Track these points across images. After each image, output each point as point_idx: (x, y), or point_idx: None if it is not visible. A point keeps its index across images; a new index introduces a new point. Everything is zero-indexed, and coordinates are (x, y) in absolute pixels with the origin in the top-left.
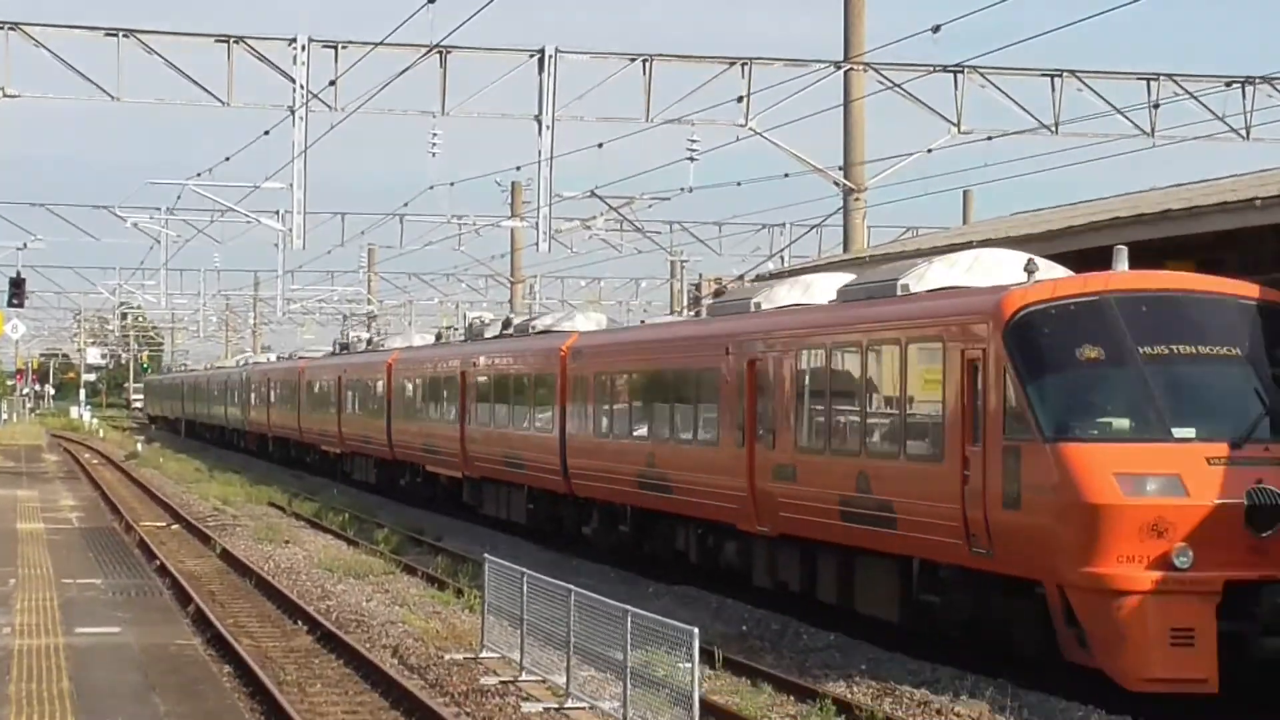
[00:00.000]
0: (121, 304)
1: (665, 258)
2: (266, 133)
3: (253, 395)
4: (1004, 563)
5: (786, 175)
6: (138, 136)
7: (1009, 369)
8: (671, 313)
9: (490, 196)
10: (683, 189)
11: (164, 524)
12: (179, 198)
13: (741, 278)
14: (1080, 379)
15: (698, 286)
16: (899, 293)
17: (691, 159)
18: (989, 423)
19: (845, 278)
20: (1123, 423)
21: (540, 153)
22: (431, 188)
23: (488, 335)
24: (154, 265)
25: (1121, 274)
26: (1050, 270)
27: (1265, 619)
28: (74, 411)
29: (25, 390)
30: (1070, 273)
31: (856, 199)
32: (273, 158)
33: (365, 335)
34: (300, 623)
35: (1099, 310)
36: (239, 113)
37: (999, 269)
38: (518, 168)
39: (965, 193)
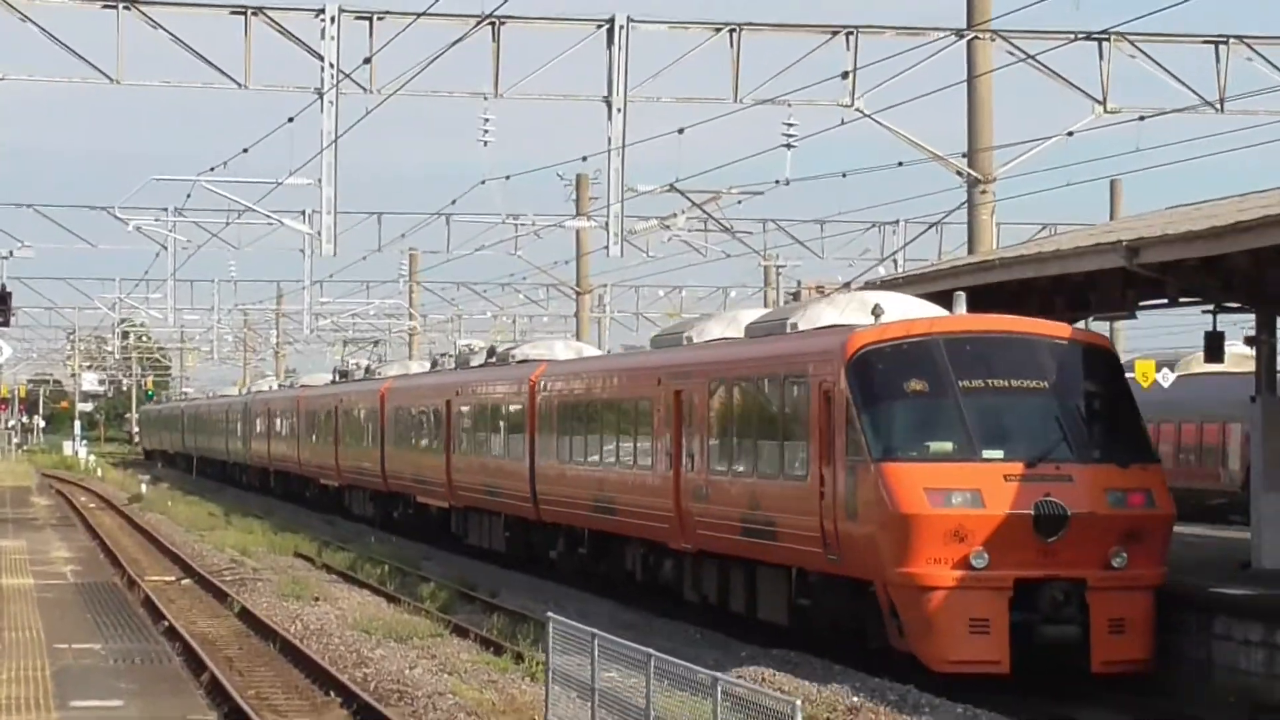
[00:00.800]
0: (122, 321)
1: (758, 262)
2: (290, 119)
3: (255, 426)
4: (849, 567)
5: (900, 164)
6: (140, 125)
7: (849, 399)
8: None
9: (552, 192)
10: (778, 181)
11: (173, 578)
12: (188, 196)
13: (848, 285)
14: (905, 408)
15: (796, 295)
16: (787, 330)
17: (788, 146)
18: (837, 446)
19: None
20: (942, 446)
21: (610, 140)
22: (483, 182)
23: (473, 364)
24: (160, 275)
25: (951, 317)
26: (907, 311)
27: (1047, 611)
28: (67, 447)
29: (11, 423)
30: (936, 313)
31: (983, 191)
32: (298, 149)
33: (364, 363)
34: (333, 694)
35: (926, 349)
36: (258, 96)
37: (883, 306)
38: (584, 158)
39: (1112, 182)
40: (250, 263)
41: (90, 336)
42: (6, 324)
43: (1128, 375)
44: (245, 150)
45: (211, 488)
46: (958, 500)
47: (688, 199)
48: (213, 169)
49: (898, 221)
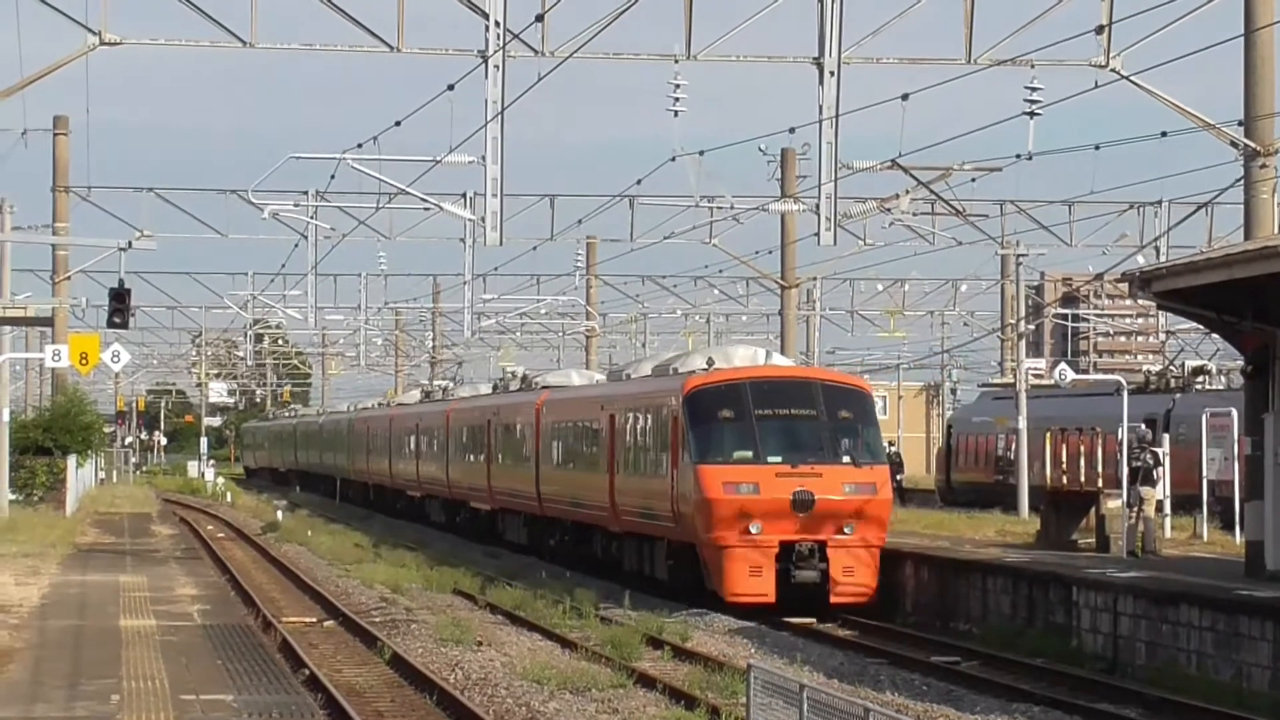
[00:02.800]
0: (255, 322)
1: (994, 250)
2: (450, 87)
3: (360, 443)
4: (685, 535)
5: (1164, 135)
6: (277, 97)
7: (683, 422)
8: (1003, 325)
9: (753, 170)
10: (1019, 156)
11: (314, 620)
12: (333, 177)
13: (1100, 277)
14: (718, 429)
15: (1039, 290)
16: (670, 373)
17: (1031, 115)
18: (677, 454)
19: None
20: (743, 454)
21: (822, 109)
22: (673, 159)
23: (512, 388)
24: (299, 269)
25: (758, 366)
26: (743, 360)
27: (798, 561)
28: (192, 467)
29: (129, 440)
30: (761, 362)
31: (1263, 166)
32: (459, 122)
33: (442, 383)
34: None
35: (736, 389)
36: (413, 61)
37: (732, 357)
38: (791, 130)
39: None
40: (403, 254)
41: (219, 340)
42: (125, 326)
43: None
44: (398, 123)
45: (359, 515)
46: (744, 490)
47: (912, 177)
48: (360, 146)
49: (1160, 202)
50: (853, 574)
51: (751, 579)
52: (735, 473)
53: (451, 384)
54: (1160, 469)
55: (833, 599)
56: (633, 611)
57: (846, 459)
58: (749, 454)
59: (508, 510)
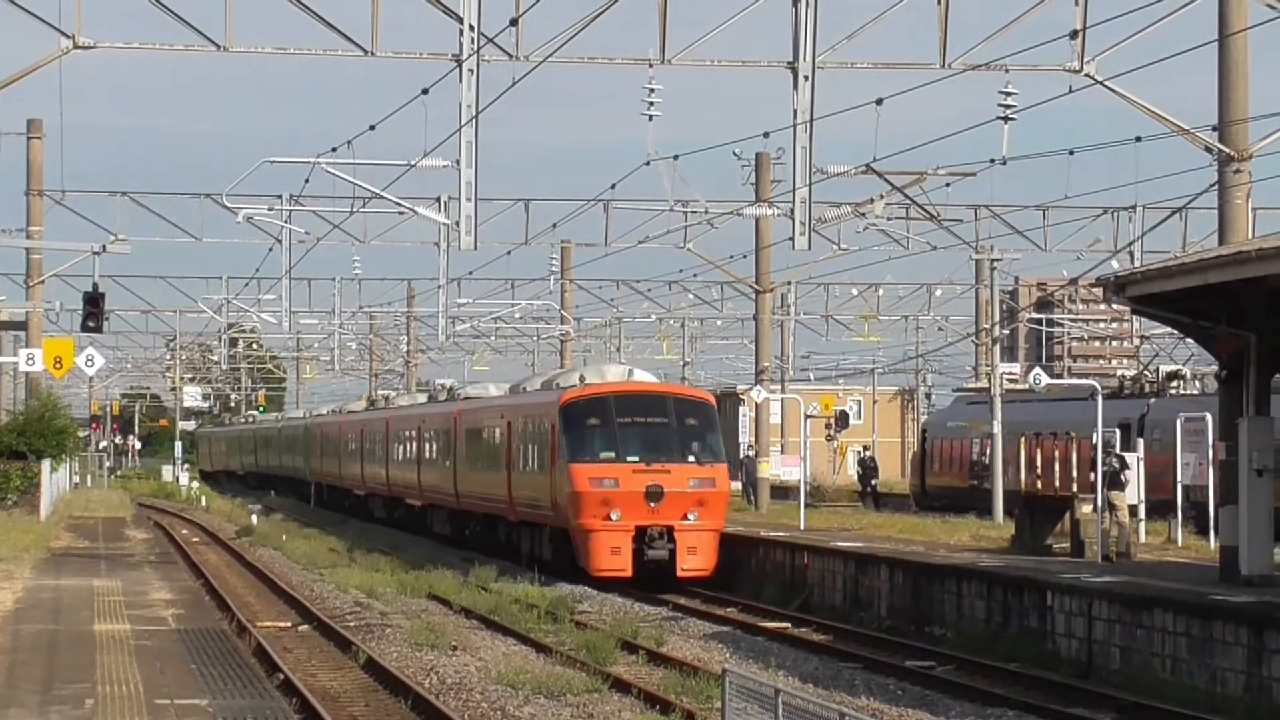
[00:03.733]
0: (230, 326)
1: (969, 255)
2: (425, 91)
3: (315, 446)
4: (561, 521)
5: (1139, 139)
6: (251, 101)
7: (559, 428)
8: (978, 330)
9: (728, 175)
10: (993, 161)
11: (289, 624)
12: (306, 182)
13: (1074, 282)
14: (587, 434)
15: (1013, 295)
16: (553, 387)
17: (1005, 120)
18: (556, 454)
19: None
20: (606, 454)
21: (797, 114)
22: (648, 163)
23: (440, 399)
24: (273, 273)
25: (621, 381)
26: (612, 377)
27: (650, 542)
28: (167, 471)
29: (103, 444)
30: (626, 377)
31: (1237, 170)
32: (433, 126)
33: (385, 393)
34: None
35: (602, 400)
36: (387, 65)
37: (605, 374)
38: (765, 134)
39: None
40: (377, 258)
41: (193, 344)
42: (99, 330)
43: None
44: (372, 128)
45: (333, 519)
46: (606, 484)
47: (887, 181)
48: (334, 150)
49: (1135, 207)
50: (696, 553)
51: (612, 557)
52: (600, 470)
53: (394, 394)
54: (1129, 472)
55: (679, 573)
56: (600, 612)
57: (691, 458)
58: (612, 454)
59: (434, 505)
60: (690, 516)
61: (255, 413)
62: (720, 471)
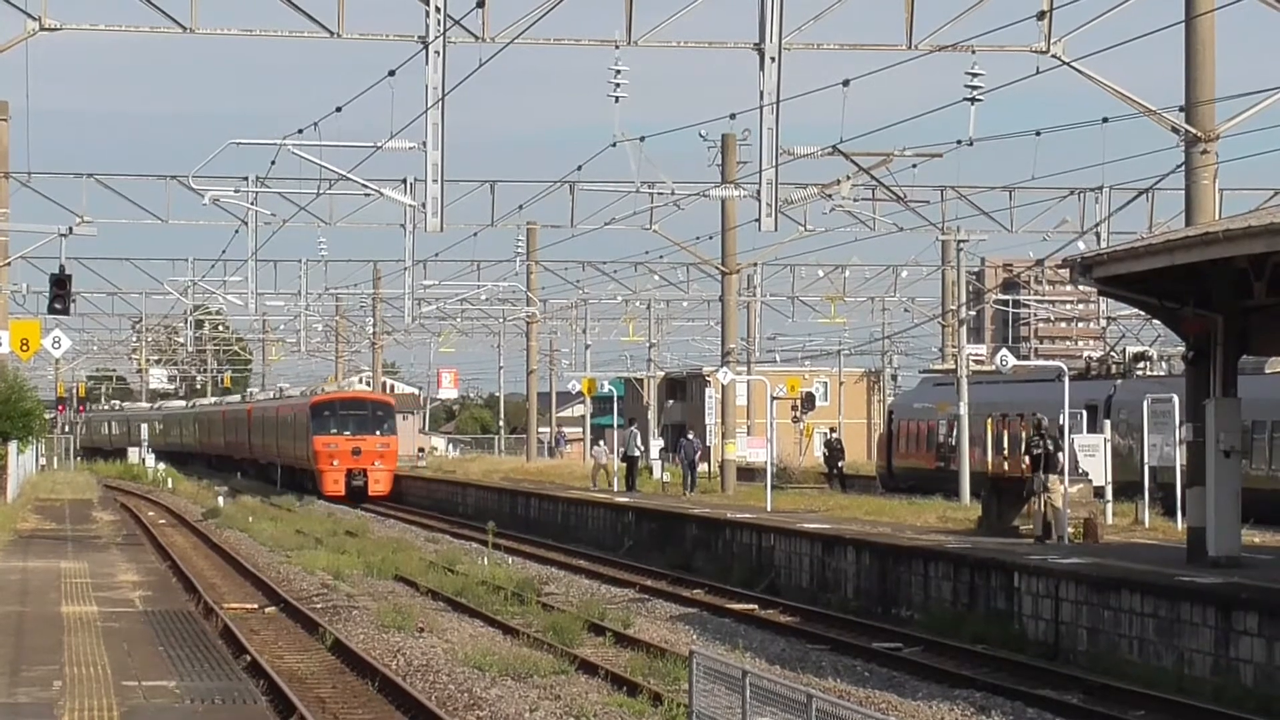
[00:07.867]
0: (196, 308)
1: (935, 236)
2: (391, 73)
3: (217, 427)
4: (309, 465)
5: (1105, 120)
6: (217, 83)
7: (308, 424)
8: (944, 311)
9: (694, 156)
10: (959, 142)
11: (256, 606)
12: (273, 163)
13: (1040, 263)
14: (324, 422)
15: (980, 276)
16: (311, 394)
17: (972, 101)
18: (308, 430)
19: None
20: (333, 431)
21: (763, 95)
22: (614, 144)
23: (260, 397)
24: (239, 255)
25: (345, 391)
26: (346, 388)
27: (354, 478)
28: (133, 453)
29: (68, 426)
30: (358, 388)
31: (1204, 151)
32: (399, 108)
33: (254, 391)
34: None
35: (331, 402)
36: (353, 48)
37: (345, 387)
38: (732, 116)
39: None
40: (343, 240)
41: (159, 326)
42: (66, 312)
43: None
44: (338, 109)
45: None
46: (332, 447)
47: (853, 163)
48: (300, 131)
49: (1101, 188)
50: (380, 484)
51: (334, 486)
52: (329, 440)
53: (275, 392)
54: (1061, 454)
55: (369, 493)
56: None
57: (378, 432)
58: (335, 431)
59: (270, 463)
60: (377, 464)
61: (180, 401)
62: (392, 440)
